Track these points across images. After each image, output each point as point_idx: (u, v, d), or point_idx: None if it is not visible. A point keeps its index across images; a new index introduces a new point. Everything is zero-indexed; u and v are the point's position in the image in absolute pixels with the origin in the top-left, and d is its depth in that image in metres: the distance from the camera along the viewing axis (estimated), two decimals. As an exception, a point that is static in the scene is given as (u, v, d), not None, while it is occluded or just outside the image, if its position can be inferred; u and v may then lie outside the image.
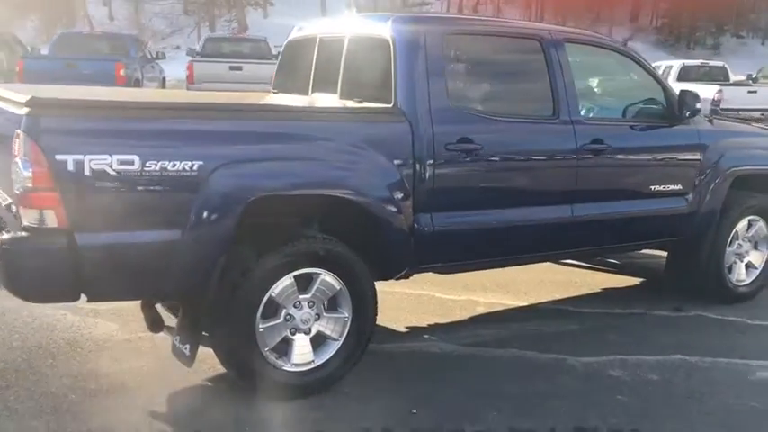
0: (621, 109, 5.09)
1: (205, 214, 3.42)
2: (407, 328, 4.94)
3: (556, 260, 5.42)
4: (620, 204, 4.88)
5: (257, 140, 3.62)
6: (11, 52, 17.13)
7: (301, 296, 3.77)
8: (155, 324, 3.84)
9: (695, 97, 4.98)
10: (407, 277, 4.43)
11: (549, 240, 4.66)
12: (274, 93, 5.23)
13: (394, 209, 3.96)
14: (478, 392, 4.00)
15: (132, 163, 3.25)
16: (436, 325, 5.01)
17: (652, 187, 4.99)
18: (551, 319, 5.24)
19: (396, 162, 3.97)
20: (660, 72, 20.12)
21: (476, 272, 5.38)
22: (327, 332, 3.88)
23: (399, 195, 3.97)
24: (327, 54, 4.71)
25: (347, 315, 3.90)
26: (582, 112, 4.75)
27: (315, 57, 4.83)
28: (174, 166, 3.33)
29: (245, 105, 4.03)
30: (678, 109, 4.99)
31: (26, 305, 4.22)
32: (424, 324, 5.00)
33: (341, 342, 3.91)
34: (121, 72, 14.32)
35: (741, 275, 5.63)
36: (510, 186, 4.43)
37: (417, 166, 4.04)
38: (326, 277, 3.81)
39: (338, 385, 3.93)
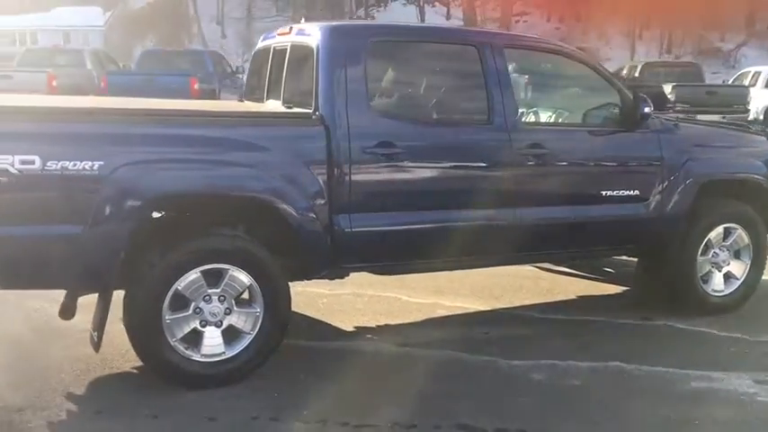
0: (570, 114, 5.05)
1: (105, 211, 3.69)
2: (355, 327, 5.07)
3: (500, 264, 5.39)
4: (568, 209, 4.83)
5: (161, 143, 3.87)
6: (102, 68, 18.33)
7: (210, 290, 3.98)
8: (65, 311, 4.12)
9: (644, 101, 4.87)
10: (335, 277, 4.58)
11: (485, 244, 4.67)
12: (240, 101, 5.50)
13: (307, 210, 4.12)
14: (387, 390, 4.09)
15: (33, 162, 3.56)
16: (386, 326, 5.11)
17: (603, 192, 4.92)
18: (507, 324, 5.25)
19: (310, 165, 4.14)
20: (748, 78, 19.24)
21: (455, 277, 5.67)
22: (239, 326, 4.08)
23: (313, 197, 4.14)
24: (278, 62, 4.93)
25: (259, 310, 4.09)
26: (524, 117, 4.75)
27: (269, 65, 5.06)
28: (74, 165, 3.62)
29: (151, 110, 4.29)
30: (631, 113, 4.90)
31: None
32: (374, 325, 5.12)
33: (253, 336, 4.10)
34: (196, 86, 15.08)
35: (718, 285, 5.43)
36: (434, 190, 4.49)
37: (334, 168, 4.19)
38: (235, 273, 4.01)
39: (250, 377, 4.11)
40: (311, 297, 5.55)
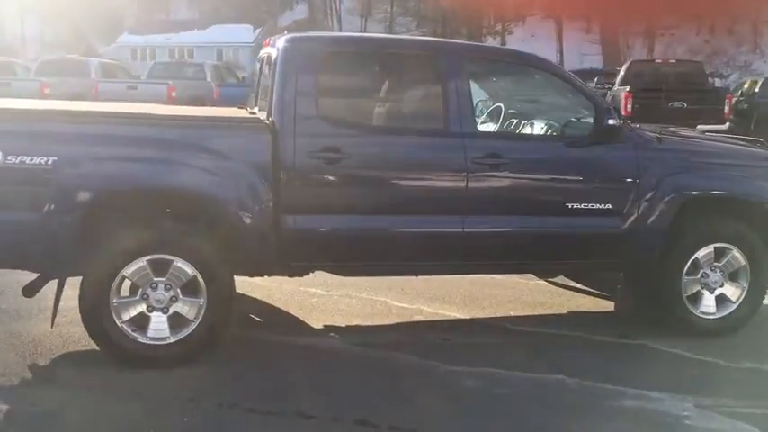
0: (536, 124, 5.03)
1: (58, 202, 4.14)
2: (324, 326, 5.28)
3: (448, 273, 5.42)
4: (523, 220, 4.82)
5: (110, 142, 4.27)
6: (221, 80, 19.52)
7: (157, 279, 4.34)
8: (28, 289, 4.55)
9: (608, 113, 4.79)
10: (295, 275, 4.84)
11: (432, 251, 4.76)
12: (240, 108, 5.85)
13: (251, 209, 4.40)
14: (312, 384, 4.31)
15: None
16: (355, 327, 5.28)
17: (569, 205, 4.87)
18: (475, 333, 5.30)
19: (257, 167, 4.42)
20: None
21: (452, 285, 5.91)
22: (184, 313, 4.41)
23: (258, 197, 4.41)
24: (264, 71, 5.26)
25: (202, 300, 4.40)
26: (483, 127, 4.81)
27: (260, 73, 5.40)
28: (31, 160, 4.09)
29: (104, 113, 4.70)
30: (598, 125, 4.84)
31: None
32: (344, 324, 5.30)
33: (196, 324, 4.41)
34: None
35: (708, 308, 5.20)
36: (380, 195, 4.64)
37: (280, 171, 4.45)
38: (180, 264, 4.34)
39: (195, 362, 4.42)
40: (304, 296, 5.83)
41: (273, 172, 4.44)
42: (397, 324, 5.39)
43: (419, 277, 6.04)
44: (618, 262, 5.15)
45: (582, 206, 4.89)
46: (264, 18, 46.78)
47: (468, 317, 5.59)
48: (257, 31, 43.98)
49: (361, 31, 46.33)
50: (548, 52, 33.29)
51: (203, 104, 15.56)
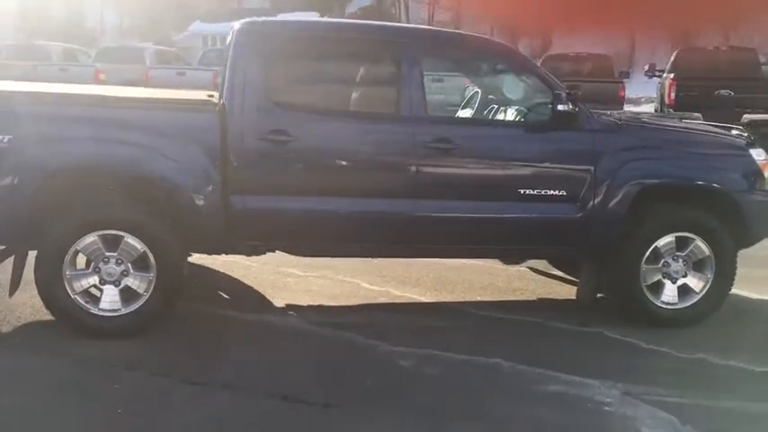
0: (492, 109, 5.03)
1: (13, 178, 4.39)
2: (286, 305, 5.41)
3: (398, 256, 5.46)
4: (474, 205, 4.84)
5: (63, 122, 4.49)
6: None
7: (108, 253, 4.55)
8: None
9: (559, 98, 4.76)
10: (251, 254, 5.01)
11: (381, 233, 4.83)
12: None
13: (199, 189, 4.57)
14: (251, 358, 4.47)
15: None
16: (318, 306, 5.40)
17: (521, 191, 4.87)
18: (433, 316, 5.36)
19: (205, 148, 4.58)
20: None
21: (430, 269, 6.01)
22: (134, 287, 4.61)
23: (206, 178, 4.58)
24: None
25: (152, 275, 4.60)
26: (436, 111, 4.85)
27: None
28: None
29: (59, 94, 4.92)
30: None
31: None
32: (306, 304, 5.43)
33: (146, 297, 4.61)
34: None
35: (670, 298, 5.13)
36: (329, 177, 4.74)
37: (229, 152, 4.60)
38: (130, 240, 4.55)
39: (144, 333, 4.62)
40: (279, 276, 6.00)
41: (222, 153, 4.59)
42: (360, 305, 5.49)
43: (399, 262, 6.16)
44: (575, 249, 5.12)
45: (535, 192, 4.88)
46: (332, 5, 47.06)
47: (433, 300, 5.64)
48: (323, 18, 44.35)
49: (429, 21, 46.34)
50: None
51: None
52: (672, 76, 14.83)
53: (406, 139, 4.73)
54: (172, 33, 47.83)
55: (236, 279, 5.93)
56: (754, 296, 5.94)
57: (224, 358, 4.46)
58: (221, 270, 6.07)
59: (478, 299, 5.71)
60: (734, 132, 5.51)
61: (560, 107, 4.73)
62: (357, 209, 4.73)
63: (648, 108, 19.22)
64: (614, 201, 4.93)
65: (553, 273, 6.26)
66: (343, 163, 4.77)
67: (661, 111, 15.26)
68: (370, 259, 6.13)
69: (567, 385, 4.20)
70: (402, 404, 3.93)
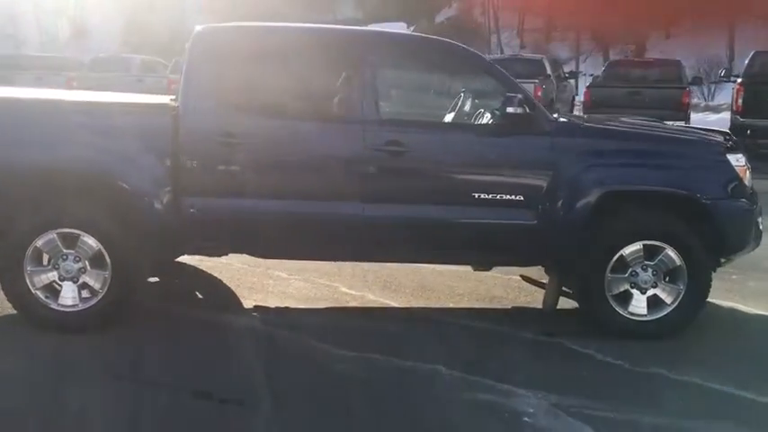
0: (446, 112, 4.96)
1: None
2: (254, 306, 5.48)
3: (349, 260, 5.42)
4: (423, 209, 4.78)
5: (25, 126, 4.71)
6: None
7: (67, 251, 4.74)
8: None
9: (509, 101, 4.63)
10: (209, 255, 5.10)
11: (330, 237, 4.83)
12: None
13: (150, 190, 4.71)
14: (191, 357, 4.56)
15: None
16: (284, 309, 5.44)
17: (475, 195, 4.77)
18: (397, 321, 5.29)
19: (158, 150, 4.72)
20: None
21: (414, 275, 5.98)
22: (91, 284, 4.79)
23: (158, 179, 4.71)
24: None
25: (107, 273, 4.76)
26: (389, 114, 4.82)
27: None
28: None
29: (18, 99, 5.14)
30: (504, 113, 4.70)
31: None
32: (274, 306, 5.48)
33: (102, 294, 4.78)
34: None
35: (639, 309, 4.90)
36: (276, 180, 4.78)
37: (181, 154, 4.72)
38: (85, 238, 4.73)
39: (106, 329, 4.78)
40: (261, 278, 6.08)
41: (174, 155, 4.71)
42: (327, 308, 5.49)
43: (388, 267, 6.14)
44: (533, 256, 4.98)
45: (490, 196, 4.78)
46: (420, 16, 47.28)
47: (404, 306, 5.59)
48: (411, 28, 44.55)
49: (519, 29, 45.83)
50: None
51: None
52: (740, 81, 14.15)
53: (355, 141, 4.72)
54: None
55: (218, 280, 6.03)
56: (745, 309, 5.63)
57: (163, 356, 4.55)
58: (209, 271, 6.20)
59: (451, 306, 5.62)
60: (715, 136, 5.22)
61: (510, 110, 4.61)
62: (306, 211, 4.76)
63: (726, 115, 18.37)
64: (573, 207, 4.77)
65: (544, 282, 6.09)
66: (293, 165, 4.80)
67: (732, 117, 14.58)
68: (359, 264, 6.17)
69: (495, 394, 4.10)
70: (314, 404, 3.94)
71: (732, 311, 5.63)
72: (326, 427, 3.74)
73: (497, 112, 4.75)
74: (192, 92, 4.75)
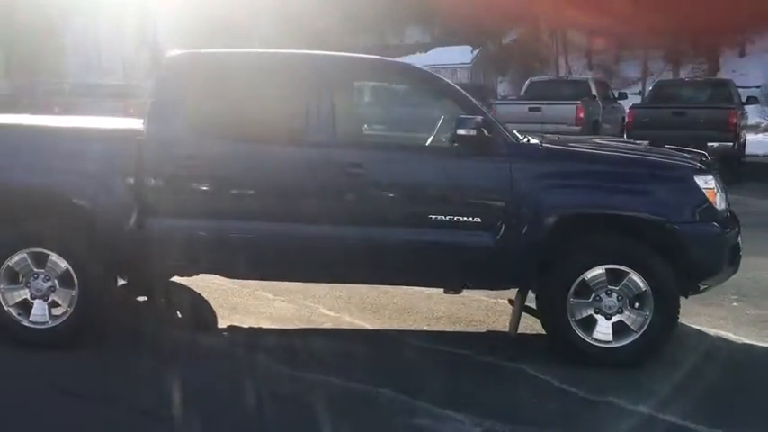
0: (405, 134, 4.95)
1: None
2: (228, 326, 5.57)
3: (306, 280, 5.43)
4: (387, 231, 4.77)
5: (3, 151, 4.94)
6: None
7: (37, 270, 4.93)
8: None
9: (461, 123, 4.59)
10: (181, 275, 5.18)
11: (287, 258, 4.87)
12: None
13: (117, 212, 4.86)
14: (144, 374, 4.64)
15: None
16: (256, 329, 5.51)
17: (432, 217, 4.74)
18: (366, 343, 5.31)
19: (122, 173, 4.87)
20: None
21: (398, 297, 6.01)
22: (60, 302, 4.95)
23: (124, 201, 4.85)
24: None
25: (75, 292, 4.92)
26: (346, 136, 4.85)
27: None
28: None
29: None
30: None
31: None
32: (248, 326, 5.55)
33: (70, 312, 4.94)
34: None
35: (604, 335, 4.76)
36: (240, 201, 4.85)
37: (144, 177, 4.86)
38: (54, 258, 4.90)
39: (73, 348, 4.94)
40: (247, 299, 6.19)
41: (139, 178, 4.85)
42: (299, 329, 5.53)
43: (376, 290, 6.15)
44: (494, 279, 4.90)
45: (446, 218, 4.74)
46: (487, 39, 47.23)
47: (378, 328, 5.57)
48: (475, 51, 44.57)
49: (588, 50, 45.26)
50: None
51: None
52: None
53: (314, 164, 4.77)
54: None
55: (203, 300, 6.13)
56: (733, 338, 5.40)
57: (119, 373, 4.66)
58: (199, 291, 6.30)
59: (425, 328, 5.57)
60: (685, 158, 5.04)
61: (461, 132, 4.58)
62: (266, 232, 4.81)
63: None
64: (531, 230, 4.69)
65: (532, 305, 5.98)
66: (254, 187, 4.87)
67: None
68: (347, 286, 6.19)
69: (430, 418, 4.05)
70: (239, 423, 3.96)
71: (717, 340, 5.41)
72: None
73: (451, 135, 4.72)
74: (158, 116, 4.88)
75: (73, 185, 4.87)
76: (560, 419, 4.10)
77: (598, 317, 4.76)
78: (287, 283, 6.01)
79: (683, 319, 5.63)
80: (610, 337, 4.76)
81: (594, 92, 17.28)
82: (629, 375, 4.67)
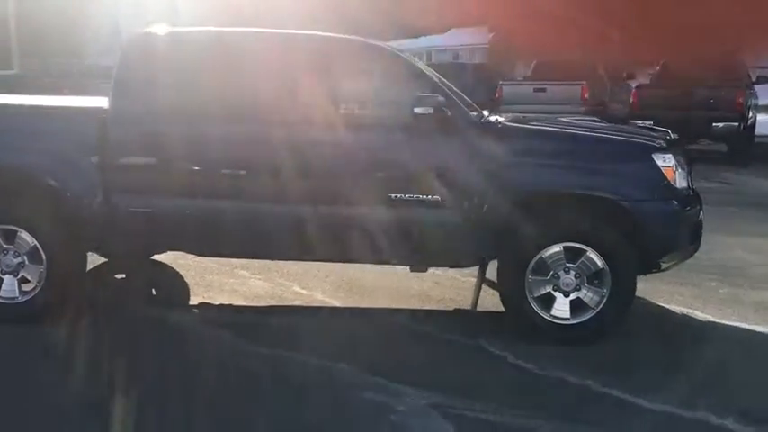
0: (356, 109, 4.98)
1: None
2: (199, 303, 5.65)
3: (265, 257, 5.50)
4: (345, 209, 4.83)
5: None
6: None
7: (6, 246, 5.03)
8: None
9: (418, 100, 4.62)
10: (146, 255, 5.26)
11: (255, 235, 4.93)
12: None
13: (82, 190, 4.95)
14: (106, 348, 4.72)
15: None
16: (226, 306, 5.58)
17: (392, 195, 4.78)
18: (332, 320, 5.37)
19: (85, 151, 4.96)
20: None
21: (375, 276, 5.97)
22: (29, 278, 5.07)
23: (85, 179, 4.95)
24: None
25: (43, 268, 5.02)
26: (307, 116, 4.88)
27: None
28: None
29: None
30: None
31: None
32: (218, 303, 5.63)
33: (39, 288, 5.05)
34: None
35: (562, 312, 4.79)
36: (198, 178, 4.91)
37: (106, 155, 4.94)
38: (23, 235, 5.01)
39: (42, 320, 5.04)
40: (227, 276, 6.22)
41: (102, 156, 4.94)
42: (268, 306, 5.59)
43: (358, 269, 6.17)
44: (454, 256, 4.94)
45: (406, 197, 4.78)
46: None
47: (347, 306, 5.63)
48: (491, 34, 44.24)
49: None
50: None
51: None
52: None
53: (273, 143, 4.81)
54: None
55: (181, 278, 6.22)
56: (700, 316, 5.42)
57: (70, 347, 4.68)
58: (179, 269, 6.39)
59: (394, 307, 5.62)
60: (647, 136, 5.03)
61: (417, 110, 4.61)
62: (225, 210, 4.88)
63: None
64: (489, 209, 4.72)
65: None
66: (210, 165, 4.93)
67: None
68: (326, 265, 6.21)
69: (382, 393, 4.10)
70: (189, 396, 4.05)
71: (682, 318, 5.42)
72: (189, 419, 3.83)
73: (408, 111, 4.74)
74: (120, 95, 4.95)
75: (38, 164, 4.97)
76: (506, 393, 4.13)
77: (556, 294, 4.79)
78: (266, 261, 6.08)
79: (654, 298, 5.70)
80: (568, 314, 4.78)
81: (602, 72, 17.11)
82: (583, 352, 4.70)
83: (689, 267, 6.59)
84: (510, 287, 4.81)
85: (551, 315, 4.79)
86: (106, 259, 6.40)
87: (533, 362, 4.54)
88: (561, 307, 4.79)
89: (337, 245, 4.92)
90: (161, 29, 5.14)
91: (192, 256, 5.72)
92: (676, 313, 5.50)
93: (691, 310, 5.55)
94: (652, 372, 4.42)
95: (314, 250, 4.98)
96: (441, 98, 4.68)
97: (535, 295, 4.79)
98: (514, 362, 4.58)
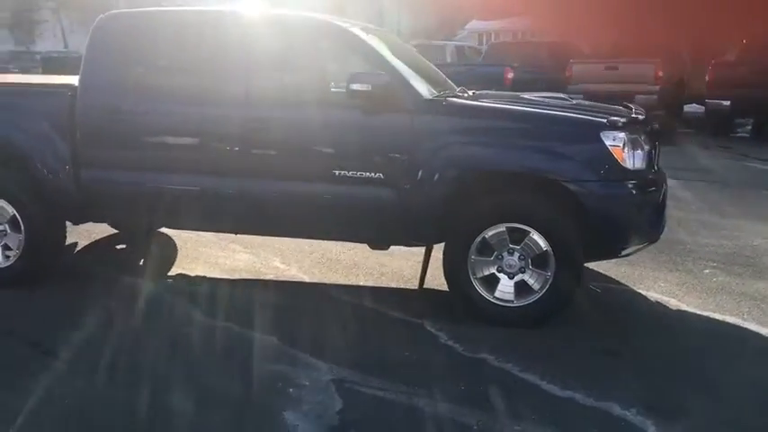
0: (309, 90, 4.99)
1: None
2: (177, 273, 5.87)
3: (235, 231, 5.50)
4: (291, 185, 4.91)
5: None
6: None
7: (-14, 216, 5.40)
8: None
9: (352, 78, 4.59)
10: (119, 228, 5.52)
11: (212, 209, 5.08)
12: None
13: (52, 163, 5.23)
14: (67, 313, 5.00)
15: None
16: (200, 278, 5.77)
17: (335, 172, 4.80)
18: (288, 296, 5.42)
19: (58, 127, 5.23)
20: None
21: (360, 254, 6.11)
22: (11, 246, 5.41)
23: (55, 152, 5.23)
24: None
25: (22, 237, 5.36)
26: (257, 93, 4.97)
27: None
28: None
29: None
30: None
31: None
32: (194, 274, 5.83)
33: (18, 254, 5.39)
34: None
35: (506, 294, 4.70)
36: (159, 154, 5.11)
37: (77, 130, 5.20)
38: (2, 204, 5.36)
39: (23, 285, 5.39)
40: (216, 250, 6.47)
41: (71, 130, 5.20)
42: (238, 280, 5.74)
43: (345, 247, 6.28)
44: (399, 234, 4.91)
45: (349, 174, 4.79)
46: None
47: (315, 281, 5.70)
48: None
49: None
50: None
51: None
52: None
53: (225, 119, 4.94)
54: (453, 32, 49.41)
55: (172, 250, 6.47)
56: (674, 304, 5.21)
57: (34, 310, 5.05)
58: (176, 241, 6.65)
59: (360, 284, 5.65)
60: (602, 113, 4.80)
61: (354, 86, 4.59)
62: (186, 184, 5.05)
63: None
64: (432, 187, 4.66)
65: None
66: (171, 140, 5.11)
67: None
68: (322, 242, 6.31)
69: (296, 366, 4.17)
70: (119, 361, 4.24)
71: (651, 306, 5.19)
72: (111, 380, 4.02)
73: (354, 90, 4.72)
74: (88, 72, 5.19)
75: (12, 138, 5.27)
76: (416, 372, 4.10)
77: (501, 275, 4.70)
78: (261, 237, 6.23)
79: (636, 284, 5.50)
80: (512, 297, 4.69)
81: (682, 50, 16.38)
82: (523, 336, 4.59)
83: (690, 253, 6.36)
84: (453, 267, 4.75)
85: (495, 297, 4.70)
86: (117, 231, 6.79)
87: (464, 343, 4.48)
88: (505, 288, 4.69)
89: (287, 221, 5.00)
90: (127, 10, 5.35)
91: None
92: (649, 301, 5.27)
93: (666, 298, 5.31)
94: (580, 360, 4.27)
95: (264, 225, 5.09)
96: (380, 74, 4.64)
97: (478, 276, 4.71)
98: (445, 342, 4.53)
